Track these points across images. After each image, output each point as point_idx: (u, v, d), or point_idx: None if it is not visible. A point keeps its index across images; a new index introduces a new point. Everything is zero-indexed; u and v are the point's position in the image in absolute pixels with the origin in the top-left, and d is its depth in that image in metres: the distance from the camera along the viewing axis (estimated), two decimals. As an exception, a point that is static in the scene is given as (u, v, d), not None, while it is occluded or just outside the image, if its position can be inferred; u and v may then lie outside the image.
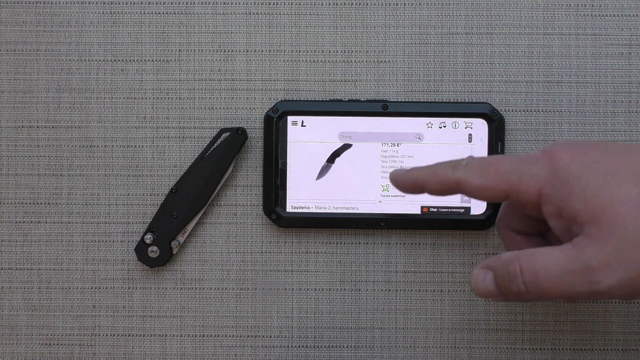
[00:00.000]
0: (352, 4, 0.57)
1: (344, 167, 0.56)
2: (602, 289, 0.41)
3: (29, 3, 0.58)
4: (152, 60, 0.58)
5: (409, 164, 0.56)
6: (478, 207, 0.56)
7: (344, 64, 0.58)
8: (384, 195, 0.56)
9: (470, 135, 0.56)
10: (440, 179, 0.45)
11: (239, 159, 0.58)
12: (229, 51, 0.58)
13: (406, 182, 0.47)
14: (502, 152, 0.56)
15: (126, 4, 0.58)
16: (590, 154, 0.42)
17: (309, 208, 0.57)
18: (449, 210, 0.56)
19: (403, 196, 0.56)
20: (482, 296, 0.45)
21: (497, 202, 0.47)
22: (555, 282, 0.41)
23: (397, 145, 0.56)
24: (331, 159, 0.56)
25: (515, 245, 0.48)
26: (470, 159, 0.46)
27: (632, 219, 0.40)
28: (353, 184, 0.56)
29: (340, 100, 0.57)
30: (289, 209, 0.57)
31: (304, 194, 0.57)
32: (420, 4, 0.57)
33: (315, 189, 0.56)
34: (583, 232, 0.41)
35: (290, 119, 0.56)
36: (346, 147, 0.56)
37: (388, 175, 0.56)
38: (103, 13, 0.58)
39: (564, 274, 0.41)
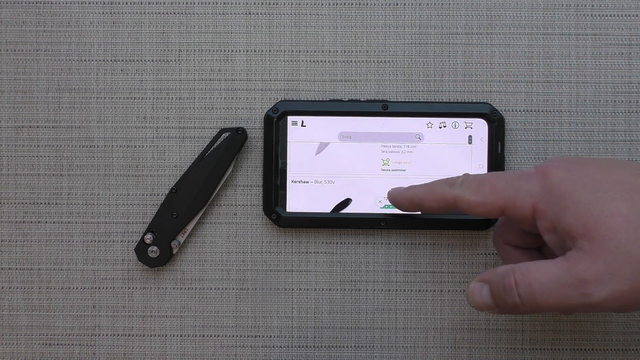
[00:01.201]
0: (352, 4, 0.57)
1: (344, 167, 0.56)
2: (595, 302, 0.42)
3: (29, 3, 0.58)
4: (152, 60, 0.58)
5: (409, 163, 0.56)
6: (478, 207, 0.56)
7: (344, 64, 0.58)
8: (384, 196, 0.56)
9: (470, 136, 0.56)
10: (437, 196, 0.47)
11: (239, 159, 0.58)
12: (229, 51, 0.58)
13: (404, 200, 0.50)
14: (502, 152, 0.56)
15: (126, 4, 0.58)
16: (583, 170, 0.44)
17: (309, 208, 0.57)
18: (449, 210, 0.56)
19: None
20: (479, 309, 0.46)
21: (493, 217, 0.49)
22: (549, 295, 0.42)
23: (397, 145, 0.56)
24: (335, 210, 0.57)
25: (512, 258, 0.49)
26: (466, 176, 0.47)
27: (623, 233, 0.41)
28: (353, 184, 0.56)
29: (340, 100, 0.57)
30: (289, 209, 0.57)
31: (304, 193, 0.57)
32: (420, 4, 0.57)
33: (315, 189, 0.56)
34: (576, 245, 0.42)
35: (290, 119, 0.56)
36: (347, 202, 0.57)
37: (389, 170, 0.56)
38: (103, 13, 0.58)
39: (558, 287, 0.42)
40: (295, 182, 0.56)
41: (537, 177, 0.44)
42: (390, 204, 0.53)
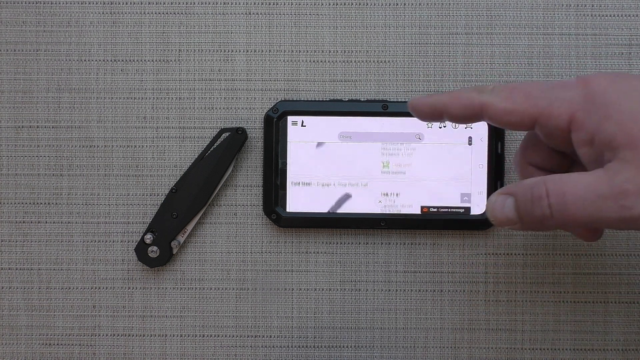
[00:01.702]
0: (352, 4, 0.57)
1: (344, 167, 0.56)
2: (635, 215, 0.39)
3: (29, 3, 0.58)
4: (152, 60, 0.58)
5: (409, 165, 0.56)
6: (478, 208, 0.56)
7: (344, 64, 0.58)
8: (384, 195, 0.56)
9: (470, 137, 0.56)
10: (463, 102, 0.43)
11: (239, 159, 0.58)
12: (229, 51, 0.58)
13: (425, 106, 0.45)
14: (502, 152, 0.56)
15: (126, 4, 0.58)
16: (627, 82, 0.41)
17: (309, 208, 0.57)
18: (449, 210, 0.56)
19: (401, 196, 0.56)
20: (499, 224, 0.43)
21: (524, 129, 0.44)
22: (584, 206, 0.39)
23: (397, 145, 0.56)
24: (334, 209, 0.56)
25: None
26: (497, 84, 0.44)
27: None
28: (353, 184, 0.56)
29: (340, 100, 0.57)
30: (289, 209, 0.57)
31: (304, 193, 0.57)
32: (420, 4, 0.57)
33: (315, 189, 0.56)
34: (617, 156, 0.40)
35: (290, 119, 0.56)
36: (347, 197, 0.56)
37: (389, 171, 0.56)
38: (103, 13, 0.58)
39: (595, 198, 0.39)
40: (295, 183, 0.56)
41: (578, 86, 0.41)
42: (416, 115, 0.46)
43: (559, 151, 0.45)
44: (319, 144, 0.56)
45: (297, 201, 0.57)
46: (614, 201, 0.39)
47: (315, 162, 0.56)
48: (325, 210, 0.56)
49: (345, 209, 0.56)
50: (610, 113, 0.40)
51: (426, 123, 0.56)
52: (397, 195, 0.56)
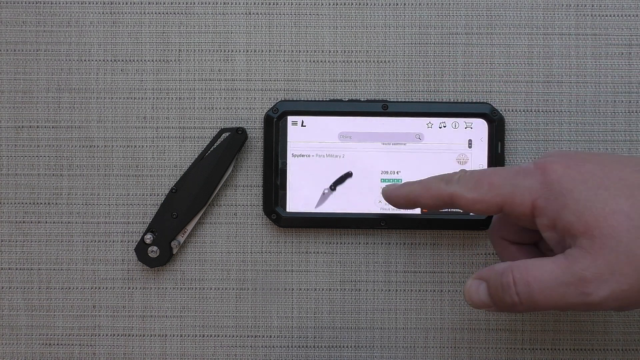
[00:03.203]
0: (352, 4, 0.57)
1: (344, 167, 0.56)
2: (595, 301, 0.41)
3: (29, 3, 0.58)
4: (152, 60, 0.58)
5: (409, 163, 0.56)
6: (478, 207, 0.56)
7: (344, 64, 0.58)
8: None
9: (470, 140, 0.56)
10: (434, 194, 0.46)
11: (239, 159, 0.58)
12: (229, 51, 0.58)
13: (399, 197, 0.48)
14: (502, 152, 0.56)
15: (126, 4, 0.58)
16: (583, 166, 0.43)
17: (309, 208, 0.57)
18: (449, 210, 0.56)
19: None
20: (476, 307, 0.45)
21: (491, 214, 0.48)
22: (548, 294, 0.42)
23: (397, 145, 0.56)
24: (333, 187, 0.56)
25: (509, 254, 0.49)
26: (463, 172, 0.46)
27: (625, 232, 0.40)
28: (353, 184, 0.56)
29: (340, 100, 0.57)
30: (289, 209, 0.57)
31: (304, 193, 0.57)
32: (420, 4, 0.57)
33: (315, 193, 0.56)
34: (576, 244, 0.41)
35: (290, 119, 0.56)
36: (348, 175, 0.56)
37: (389, 171, 0.56)
38: (103, 13, 0.58)
39: (557, 285, 0.41)
40: (295, 183, 0.56)
41: (536, 173, 0.43)
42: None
43: (528, 228, 0.46)
44: (321, 201, 0.56)
45: (297, 201, 0.57)
46: (575, 288, 0.41)
47: (315, 162, 0.56)
48: (327, 210, 0.56)
49: (347, 204, 0.56)
50: (566, 202, 0.42)
51: (426, 123, 0.56)
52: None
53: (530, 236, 0.48)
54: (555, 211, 0.42)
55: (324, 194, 0.56)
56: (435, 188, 0.46)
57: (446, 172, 0.47)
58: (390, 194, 0.48)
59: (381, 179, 0.56)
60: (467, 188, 0.45)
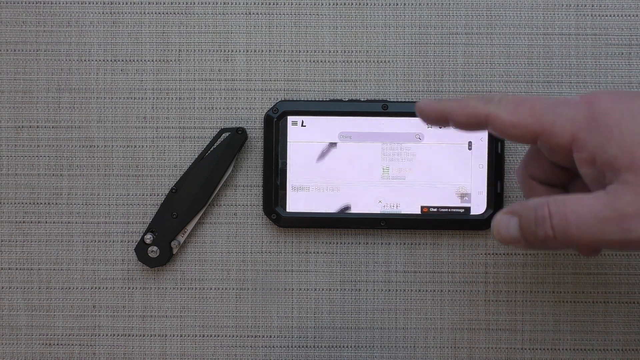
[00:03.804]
0: (352, 4, 0.57)
1: (344, 166, 0.56)
2: (635, 238, 0.39)
3: (29, 3, 0.58)
4: (152, 60, 0.58)
5: (409, 163, 0.56)
6: (478, 208, 0.56)
7: (344, 64, 0.58)
8: (384, 196, 0.56)
9: (470, 143, 0.56)
10: (470, 111, 0.43)
11: (239, 159, 0.58)
12: (229, 51, 0.58)
13: (432, 111, 0.45)
14: (502, 152, 0.56)
15: (126, 4, 0.58)
16: (632, 102, 0.41)
17: (309, 208, 0.57)
18: (449, 210, 0.56)
19: (400, 199, 0.56)
20: (505, 242, 0.43)
21: (526, 142, 0.44)
22: (585, 228, 0.40)
23: (397, 145, 0.56)
24: (334, 144, 0.56)
25: (536, 195, 0.46)
26: (504, 94, 0.44)
27: None
28: (353, 184, 0.56)
29: (340, 100, 0.57)
30: (289, 209, 0.57)
31: (304, 193, 0.57)
32: (420, 4, 0.57)
33: (315, 189, 0.56)
34: (619, 179, 0.40)
35: (290, 119, 0.56)
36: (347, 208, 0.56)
37: (389, 171, 0.56)
38: (103, 13, 0.58)
39: (596, 221, 0.40)
40: (295, 184, 0.56)
41: (581, 105, 0.41)
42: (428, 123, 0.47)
43: (560, 166, 0.45)
44: (321, 156, 0.56)
45: (297, 201, 0.57)
46: (615, 224, 0.39)
47: (315, 162, 0.56)
48: (327, 211, 0.56)
49: (347, 204, 0.56)
50: (612, 135, 0.40)
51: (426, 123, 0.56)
52: (397, 195, 0.56)
53: (562, 176, 0.46)
54: (597, 144, 0.41)
55: (322, 151, 0.56)
56: (472, 106, 0.43)
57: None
58: (424, 108, 0.45)
59: (381, 178, 0.56)
60: (506, 110, 0.43)
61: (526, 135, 0.42)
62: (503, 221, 0.43)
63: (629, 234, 0.39)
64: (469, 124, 0.44)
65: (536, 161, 0.46)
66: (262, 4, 0.57)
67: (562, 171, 0.45)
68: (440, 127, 0.56)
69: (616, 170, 0.40)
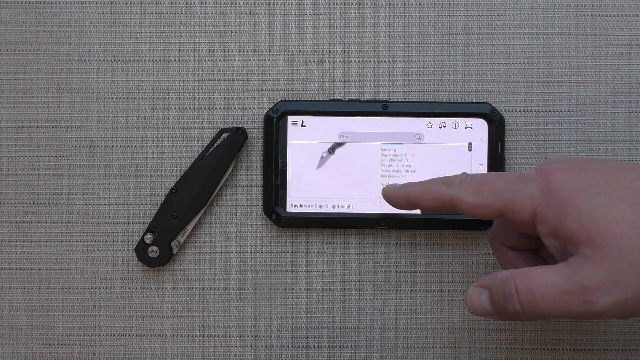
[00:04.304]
0: (352, 4, 0.57)
1: (344, 166, 0.56)
2: (598, 310, 0.41)
3: (29, 3, 0.58)
4: (152, 60, 0.58)
5: (409, 163, 0.56)
6: (478, 207, 0.56)
7: (344, 64, 0.58)
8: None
9: (470, 144, 0.56)
10: (434, 196, 0.46)
11: (239, 159, 0.58)
12: (229, 51, 0.58)
13: (399, 198, 0.48)
14: (502, 152, 0.56)
15: (126, 4, 0.58)
16: (585, 173, 0.42)
17: (309, 208, 0.57)
18: (449, 210, 0.56)
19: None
20: (478, 315, 0.45)
21: (491, 219, 0.47)
22: (551, 303, 0.41)
23: (397, 145, 0.56)
24: (332, 150, 0.56)
25: (509, 261, 0.48)
26: (464, 176, 0.46)
27: (627, 240, 0.40)
28: (353, 184, 0.56)
29: (340, 100, 0.57)
30: (289, 209, 0.57)
31: (304, 194, 0.57)
32: (420, 4, 0.57)
33: (315, 189, 0.56)
34: (578, 252, 0.41)
35: (290, 119, 0.57)
36: (347, 137, 0.56)
37: (389, 172, 0.56)
38: (103, 13, 0.58)
39: (560, 294, 0.41)
40: (294, 202, 0.56)
41: (537, 180, 0.43)
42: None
43: (528, 234, 0.46)
44: (320, 163, 0.56)
45: (297, 201, 0.57)
46: (577, 297, 0.41)
47: (315, 163, 0.56)
48: (327, 211, 0.56)
49: (347, 204, 0.56)
50: (568, 210, 0.41)
51: (426, 123, 0.56)
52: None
53: (531, 243, 0.48)
54: (556, 219, 0.42)
55: (322, 157, 0.56)
56: (435, 190, 0.46)
57: (446, 175, 0.46)
58: (390, 195, 0.48)
59: (381, 179, 0.56)
60: (468, 192, 0.44)
61: (491, 214, 0.44)
62: (475, 294, 0.45)
63: (591, 306, 0.41)
64: (435, 209, 0.46)
65: (505, 231, 0.48)
66: (262, 4, 0.57)
67: (530, 238, 0.47)
68: (438, 124, 0.56)
69: (575, 244, 0.41)
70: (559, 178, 0.42)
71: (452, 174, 0.46)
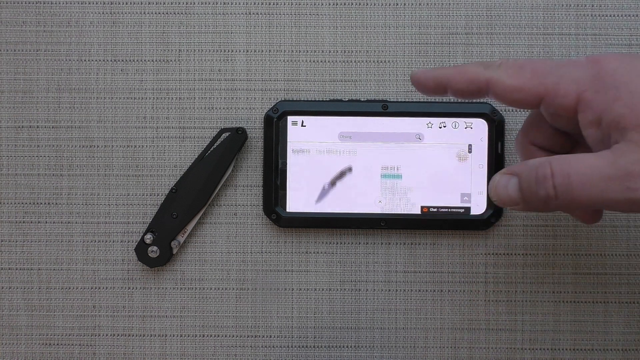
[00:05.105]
0: (352, 4, 0.57)
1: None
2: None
3: (29, 3, 0.58)
4: (152, 60, 0.58)
5: (409, 163, 0.56)
6: (478, 208, 0.56)
7: (344, 64, 0.58)
8: (384, 196, 0.56)
9: (470, 145, 0.56)
10: (469, 77, 0.42)
11: (239, 159, 0.58)
12: (229, 51, 0.58)
13: (429, 79, 0.44)
14: (502, 152, 0.56)
15: (126, 4, 0.58)
16: (638, 61, 0.40)
17: (309, 208, 0.57)
18: (449, 210, 0.56)
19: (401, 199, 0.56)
20: (502, 203, 0.42)
21: (529, 107, 0.42)
22: (589, 187, 0.39)
23: (397, 145, 0.56)
24: (333, 182, 0.56)
25: None
26: (505, 59, 0.43)
27: None
28: (353, 184, 0.56)
29: (340, 100, 0.57)
30: (289, 209, 0.57)
31: (304, 193, 0.57)
32: (420, 4, 0.57)
33: (315, 189, 0.56)
34: (625, 138, 0.39)
35: (290, 119, 0.57)
36: (347, 170, 0.56)
37: (389, 171, 0.56)
38: (103, 13, 0.58)
39: (600, 180, 0.39)
40: (294, 184, 0.56)
41: (588, 65, 0.41)
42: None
43: (562, 132, 0.44)
44: (320, 196, 0.56)
45: (297, 201, 0.57)
46: (619, 183, 0.39)
47: (315, 162, 0.56)
48: (327, 211, 0.56)
49: (347, 204, 0.56)
50: (620, 94, 0.39)
51: (426, 123, 0.56)
52: (397, 195, 0.56)
53: (564, 142, 0.45)
54: (604, 104, 0.40)
55: (324, 189, 0.56)
56: (471, 71, 0.42)
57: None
58: (420, 77, 0.44)
59: (381, 178, 0.56)
60: (507, 74, 0.41)
61: (529, 99, 0.41)
62: (502, 181, 0.42)
63: (633, 193, 0.39)
64: (468, 91, 0.43)
65: (537, 127, 0.45)
66: (262, 4, 0.57)
67: (563, 137, 0.45)
68: (438, 124, 0.56)
69: (623, 129, 0.39)
70: (612, 64, 0.40)
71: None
